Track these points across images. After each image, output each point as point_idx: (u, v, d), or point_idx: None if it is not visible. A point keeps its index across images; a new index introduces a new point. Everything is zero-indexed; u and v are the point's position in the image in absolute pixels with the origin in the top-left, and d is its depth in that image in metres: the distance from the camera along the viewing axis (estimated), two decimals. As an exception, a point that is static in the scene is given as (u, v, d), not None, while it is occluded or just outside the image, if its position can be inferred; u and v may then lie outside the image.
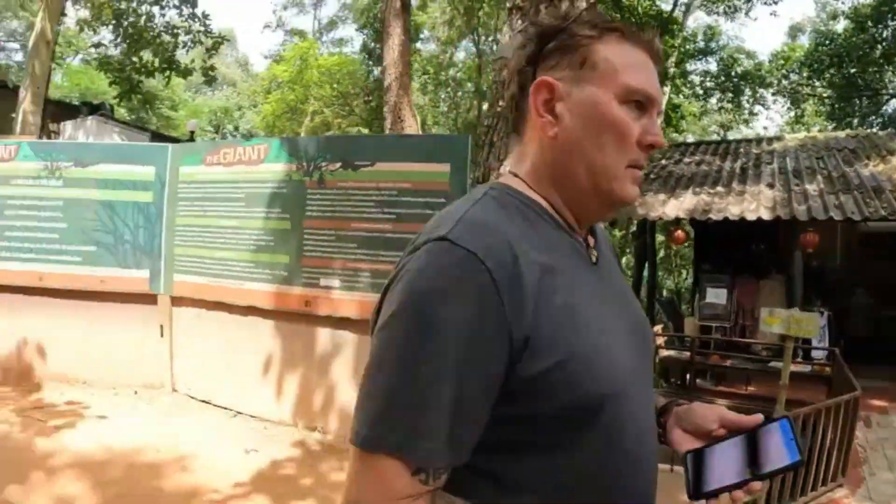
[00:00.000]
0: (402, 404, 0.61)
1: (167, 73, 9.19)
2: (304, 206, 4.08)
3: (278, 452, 3.70)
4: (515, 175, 0.77)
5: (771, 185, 6.89)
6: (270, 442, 3.83)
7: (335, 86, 15.97)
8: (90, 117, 7.26)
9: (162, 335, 4.60)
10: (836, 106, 15.49)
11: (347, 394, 3.92)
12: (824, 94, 15.38)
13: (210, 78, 10.05)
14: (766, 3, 14.13)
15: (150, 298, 4.61)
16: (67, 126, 7.29)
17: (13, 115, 6.34)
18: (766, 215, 6.15)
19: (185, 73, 9.57)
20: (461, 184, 3.67)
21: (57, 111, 7.27)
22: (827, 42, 14.41)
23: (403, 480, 0.62)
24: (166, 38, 9.35)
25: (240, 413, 4.28)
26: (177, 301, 4.59)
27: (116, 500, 3.11)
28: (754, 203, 6.42)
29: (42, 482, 3.19)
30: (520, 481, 0.67)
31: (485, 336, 0.61)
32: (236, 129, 29.00)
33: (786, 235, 7.10)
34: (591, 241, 0.80)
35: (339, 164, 3.98)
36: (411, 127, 8.05)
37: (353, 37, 28.67)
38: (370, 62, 15.64)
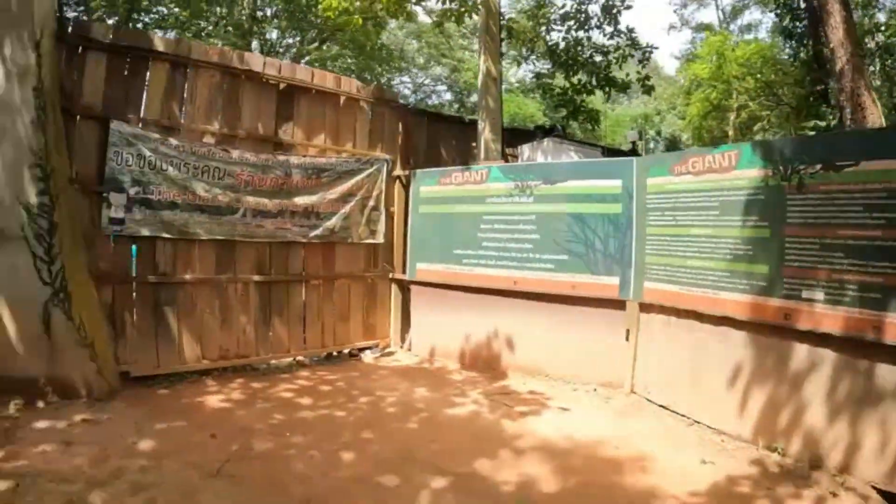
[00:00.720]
0: None
1: (606, 90, 12.86)
2: (783, 213, 5.17)
3: (734, 468, 4.71)
4: None
5: None
6: (726, 456, 4.94)
7: (758, 76, 18.65)
8: (546, 139, 10.59)
9: (627, 339, 6.64)
10: None
11: (817, 417, 4.83)
12: None
13: (648, 88, 13.13)
14: None
15: (617, 304, 6.70)
16: (525, 149, 10.73)
17: (473, 144, 10.27)
18: None
19: (624, 86, 12.98)
20: (964, 177, 4.21)
21: (509, 137, 10.68)
22: None
23: None
24: (598, 57, 13.05)
25: (697, 422, 5.66)
26: (645, 307, 6.52)
27: (578, 488, 4.33)
28: None
29: (509, 460, 4.72)
30: None
31: None
32: (658, 133, 36.41)
33: None
34: None
35: (818, 166, 4.95)
36: (873, 114, 9.06)
37: (760, 20, 33.33)
38: (791, 43, 17.59)
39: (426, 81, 36.47)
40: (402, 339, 8.88)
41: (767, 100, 19.25)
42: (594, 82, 12.93)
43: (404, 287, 8.84)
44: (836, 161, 4.91)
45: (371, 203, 8.49)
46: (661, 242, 6.40)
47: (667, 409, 6.13)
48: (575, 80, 13.03)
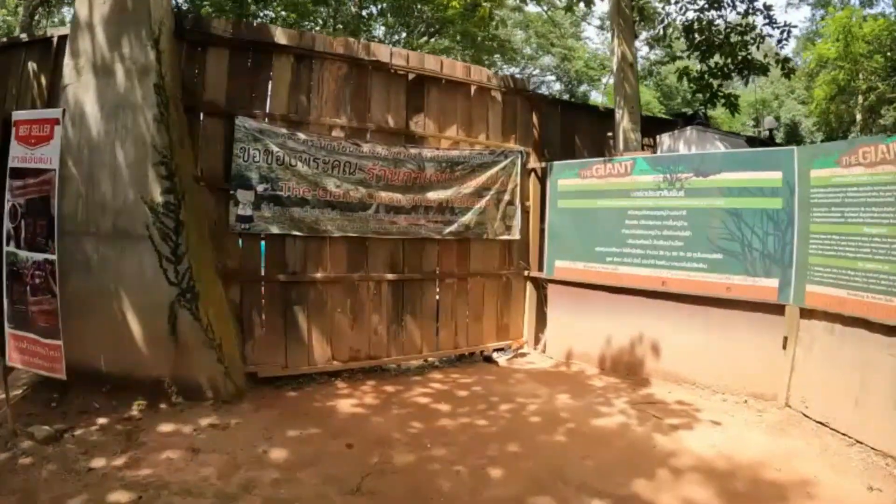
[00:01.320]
0: None
1: (744, 73, 11.82)
2: None
3: (905, 496, 4.13)
4: None
5: None
6: (894, 482, 4.40)
7: (888, 54, 17.79)
8: (689, 127, 9.85)
9: (784, 347, 5.98)
10: None
11: None
12: None
13: (788, 71, 12.01)
14: None
15: (774, 308, 6.06)
16: (664, 138, 10.02)
17: (609, 135, 9.60)
18: None
19: (763, 69, 11.91)
20: None
21: (644, 126, 9.77)
22: None
23: None
24: (734, 38, 11.87)
25: (859, 442, 5.04)
26: (806, 313, 5.84)
27: (746, 516, 3.90)
28: None
29: (668, 481, 4.35)
30: None
31: None
32: (777, 119, 34.19)
33: None
34: None
35: None
36: None
37: None
38: None
39: (535, 72, 36.49)
40: (536, 341, 8.36)
41: (901, 82, 18.00)
42: (731, 65, 11.95)
43: (540, 285, 8.32)
44: None
45: (506, 197, 7.97)
46: (826, 241, 5.73)
47: (825, 425, 5.47)
48: (711, 63, 12.08)
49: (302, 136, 6.34)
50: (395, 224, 7.00)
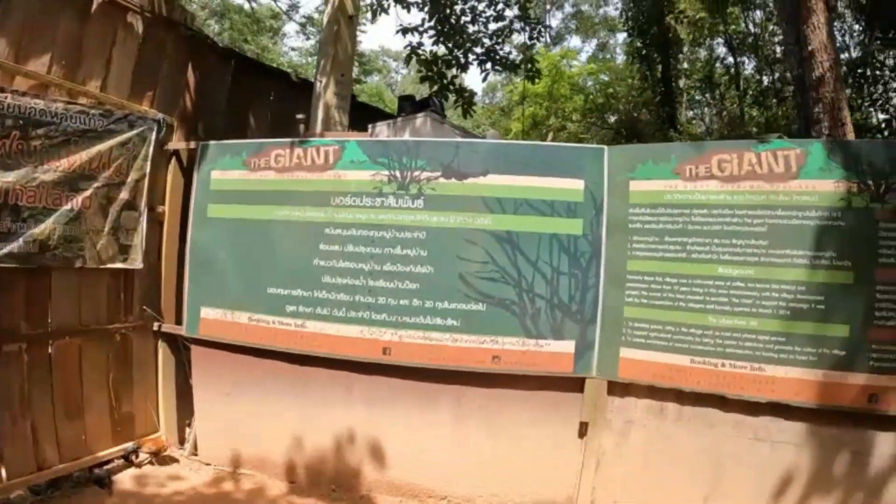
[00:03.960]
0: None
1: (485, 66, 11.44)
2: (873, 249, 4.47)
3: None
4: None
5: None
6: None
7: (590, 97, 21.88)
8: (420, 115, 8.28)
9: (581, 436, 5.27)
10: None
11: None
12: None
13: (532, 73, 11.99)
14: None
15: (568, 383, 5.25)
16: (381, 128, 8.31)
17: (300, 117, 7.74)
18: None
19: (512, 67, 11.73)
20: None
21: (352, 115, 8.62)
22: None
23: None
24: (476, 26, 11.70)
25: None
26: (619, 389, 5.20)
27: None
28: None
29: None
30: None
31: None
32: None
33: None
34: None
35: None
36: (852, 132, 9.02)
37: (581, 47, 41.35)
38: (643, 65, 20.50)
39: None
40: (183, 436, 6.48)
41: (595, 123, 21.86)
42: (471, 56, 11.64)
43: (181, 347, 6.34)
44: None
45: (124, 195, 5.84)
46: (654, 286, 5.14)
47: (659, 543, 5.11)
48: (449, 45, 11.64)
49: None
50: None
